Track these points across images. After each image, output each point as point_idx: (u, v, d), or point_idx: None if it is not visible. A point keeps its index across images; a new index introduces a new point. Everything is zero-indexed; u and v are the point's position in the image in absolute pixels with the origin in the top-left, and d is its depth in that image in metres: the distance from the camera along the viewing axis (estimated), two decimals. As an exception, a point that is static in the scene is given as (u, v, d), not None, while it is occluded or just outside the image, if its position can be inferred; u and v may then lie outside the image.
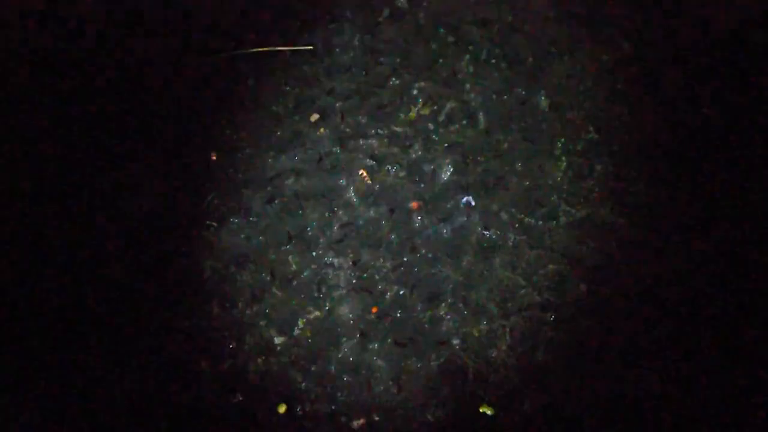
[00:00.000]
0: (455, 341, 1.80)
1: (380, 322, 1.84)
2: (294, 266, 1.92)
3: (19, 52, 2.26)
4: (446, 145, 2.06)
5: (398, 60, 2.20)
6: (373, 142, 2.08)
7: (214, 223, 1.99)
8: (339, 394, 1.76)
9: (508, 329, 1.81)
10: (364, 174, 2.03)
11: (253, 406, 1.76)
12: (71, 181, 2.06)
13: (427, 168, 2.04)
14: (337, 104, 2.15)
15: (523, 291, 1.85)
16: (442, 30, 2.24)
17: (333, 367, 1.79)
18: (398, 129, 2.10)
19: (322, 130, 2.11)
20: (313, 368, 1.80)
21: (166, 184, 2.05)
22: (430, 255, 1.91)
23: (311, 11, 2.31)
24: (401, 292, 1.87)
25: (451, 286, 1.87)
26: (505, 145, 2.05)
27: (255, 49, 2.24)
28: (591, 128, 2.06)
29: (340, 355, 1.81)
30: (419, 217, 1.97)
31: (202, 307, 1.88)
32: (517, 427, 1.70)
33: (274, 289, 1.90)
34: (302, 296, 1.88)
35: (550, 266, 1.88)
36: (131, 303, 1.88)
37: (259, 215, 2.00)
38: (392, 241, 1.94)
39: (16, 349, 1.84)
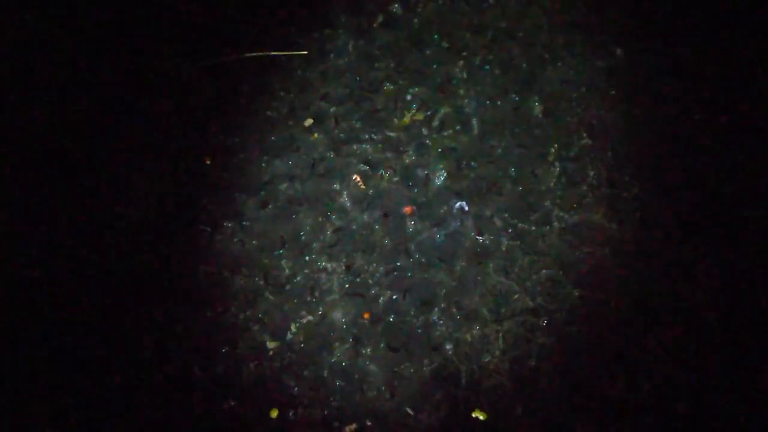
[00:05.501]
0: (448, 346, 1.80)
1: (373, 327, 1.84)
2: (287, 271, 1.92)
3: (15, 55, 2.26)
4: (440, 150, 2.07)
5: (392, 65, 2.21)
6: (367, 147, 2.09)
7: (208, 228, 1.99)
8: (331, 399, 1.76)
9: (501, 334, 1.81)
10: (358, 179, 2.03)
11: (245, 411, 1.75)
12: (64, 186, 2.05)
13: (421, 173, 2.04)
14: (331, 109, 2.15)
15: (516, 296, 1.86)
16: (436, 36, 2.25)
17: (326, 372, 1.79)
18: (392, 134, 2.10)
19: (315, 135, 2.12)
20: (305, 373, 1.79)
21: (159, 189, 2.05)
22: (423, 260, 1.92)
23: (306, 16, 2.31)
24: (394, 297, 1.87)
25: (444, 291, 1.87)
26: (499, 151, 2.06)
27: (249, 54, 2.24)
28: (584, 134, 2.07)
29: (332, 360, 1.80)
30: (413, 222, 1.97)
31: (195, 312, 1.87)
32: (510, 433, 1.70)
33: (267, 294, 1.90)
34: (295, 301, 1.88)
35: (543, 271, 1.88)
36: (124, 307, 1.88)
37: (253, 220, 2.00)
38: (385, 245, 1.94)
39: (10, 352, 1.83)
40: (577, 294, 1.85)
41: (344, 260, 1.93)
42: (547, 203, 1.97)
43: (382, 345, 1.81)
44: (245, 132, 2.14)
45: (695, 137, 2.03)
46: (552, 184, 2.00)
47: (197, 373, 1.80)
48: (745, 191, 1.94)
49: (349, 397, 1.76)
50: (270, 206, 2.02)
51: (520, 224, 1.95)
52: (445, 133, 2.09)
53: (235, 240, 1.97)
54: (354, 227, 1.98)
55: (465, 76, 2.18)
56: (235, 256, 1.95)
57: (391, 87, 2.17)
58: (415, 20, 2.28)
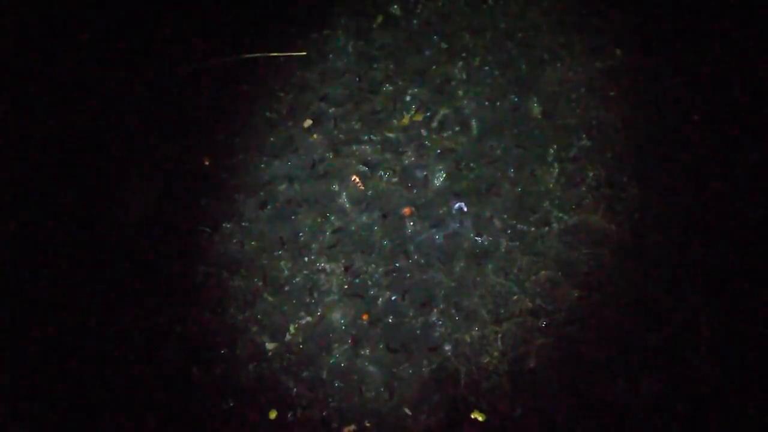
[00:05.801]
0: (447, 347, 1.80)
1: (372, 328, 1.84)
2: (286, 272, 1.92)
3: (15, 55, 2.26)
4: (439, 151, 2.07)
5: (391, 66, 2.21)
6: (366, 148, 2.09)
7: (207, 229, 1.99)
8: (330, 400, 1.75)
9: (500, 335, 1.81)
10: (357, 180, 2.04)
11: (244, 412, 1.75)
12: (64, 186, 2.06)
13: (420, 174, 2.04)
14: (331, 110, 2.15)
15: (515, 297, 1.85)
16: (435, 37, 2.25)
17: (324, 373, 1.79)
18: (391, 135, 2.10)
19: (315, 135, 2.12)
20: (304, 374, 1.79)
21: (159, 189, 2.05)
22: (422, 261, 1.91)
23: (305, 17, 2.32)
24: (393, 298, 1.87)
25: (443, 291, 1.87)
26: (498, 152, 2.06)
27: (249, 55, 2.24)
28: (583, 135, 2.06)
29: (331, 361, 1.80)
30: (412, 223, 1.97)
31: (194, 312, 1.87)
32: (509, 433, 1.70)
33: (265, 295, 1.90)
34: (294, 302, 1.88)
35: (542, 272, 1.88)
36: (123, 308, 1.88)
37: (252, 220, 2.00)
38: (384, 246, 1.94)
39: (10, 352, 1.84)
40: (576, 294, 1.85)
41: (343, 261, 1.93)
42: (546, 204, 1.97)
43: (381, 346, 1.81)
44: (244, 133, 2.14)
45: (695, 137, 2.03)
46: (551, 185, 2.00)
47: (197, 373, 1.80)
48: (745, 191, 1.94)
49: (347, 397, 1.76)
50: (269, 207, 2.02)
51: (519, 225, 1.95)
52: (445, 134, 2.09)
53: (234, 241, 1.97)
54: (353, 228, 1.98)
55: (464, 77, 2.18)
56: (234, 257, 1.95)
57: (391, 88, 2.17)
58: (415, 21, 2.28)
